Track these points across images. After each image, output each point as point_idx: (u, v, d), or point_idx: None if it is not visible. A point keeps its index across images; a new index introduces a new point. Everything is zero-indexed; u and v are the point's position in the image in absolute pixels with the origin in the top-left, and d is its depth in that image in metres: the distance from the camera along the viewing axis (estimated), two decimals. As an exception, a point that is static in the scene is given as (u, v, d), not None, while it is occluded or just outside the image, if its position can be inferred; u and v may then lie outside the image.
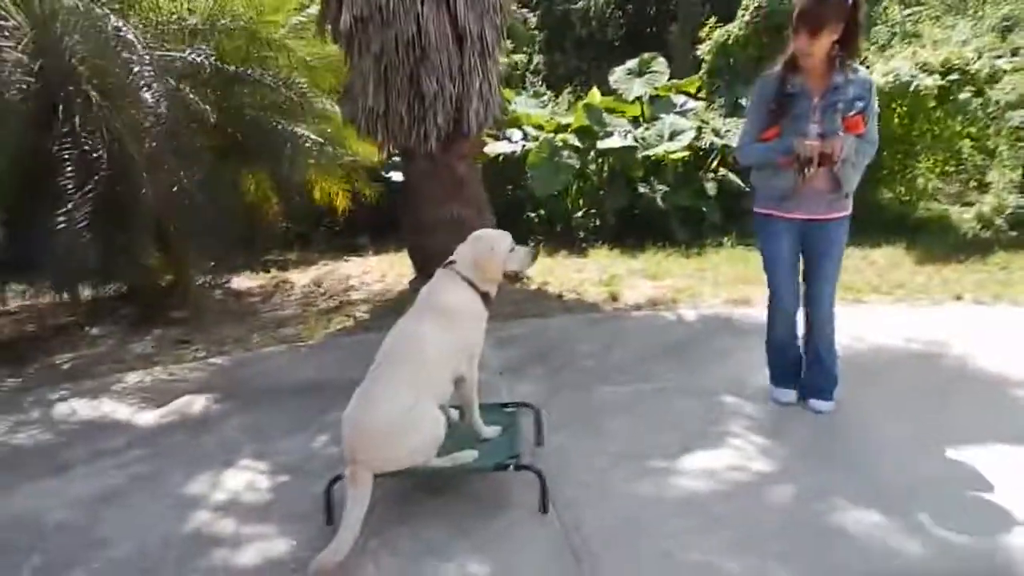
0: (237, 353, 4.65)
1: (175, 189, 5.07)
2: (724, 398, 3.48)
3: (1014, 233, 6.96)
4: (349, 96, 5.48)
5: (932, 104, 7.14)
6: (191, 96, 5.15)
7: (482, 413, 2.86)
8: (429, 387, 2.54)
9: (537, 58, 19.08)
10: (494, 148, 8.42)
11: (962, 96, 6.89)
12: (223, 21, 5.47)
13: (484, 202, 6.04)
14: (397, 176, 7.31)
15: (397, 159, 7.19)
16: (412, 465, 2.48)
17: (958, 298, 4.90)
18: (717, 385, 3.63)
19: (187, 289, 5.81)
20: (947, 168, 7.89)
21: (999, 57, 7.77)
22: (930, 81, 6.79)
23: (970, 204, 7.78)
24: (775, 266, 3.17)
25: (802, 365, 3.36)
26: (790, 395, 3.36)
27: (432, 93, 5.14)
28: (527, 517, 2.53)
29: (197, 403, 3.79)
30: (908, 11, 12.00)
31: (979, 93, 7.43)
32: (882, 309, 4.76)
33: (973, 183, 8.02)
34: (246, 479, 2.94)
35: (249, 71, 5.55)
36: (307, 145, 5.81)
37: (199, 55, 5.16)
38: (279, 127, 5.64)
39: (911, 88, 6.76)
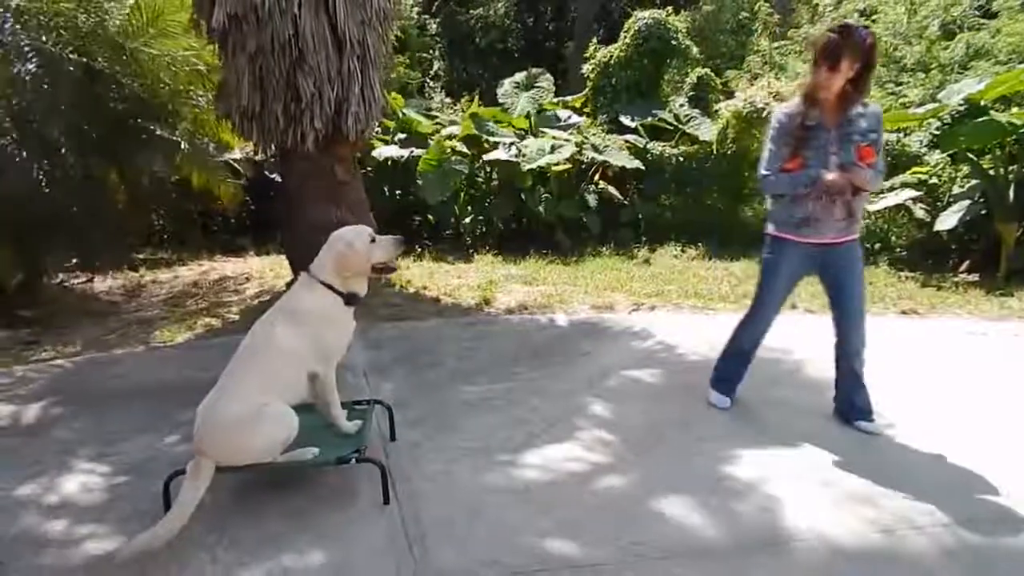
0: (90, 354, 4.46)
1: (33, 182, 4.81)
2: (576, 397, 3.71)
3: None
4: (224, 94, 5.40)
5: (785, 130, 7.83)
6: (45, 87, 4.90)
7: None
8: (279, 386, 2.61)
9: (438, 64, 19.19)
10: (382, 152, 8.46)
11: (809, 125, 7.62)
12: (82, 16, 5.23)
13: (365, 206, 6.08)
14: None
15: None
16: (257, 461, 2.53)
17: (793, 307, 5.42)
18: (572, 385, 3.87)
19: (39, 287, 5.48)
20: (800, 190, 8.67)
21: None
22: (780, 109, 7.48)
23: (819, 223, 8.59)
24: (773, 280, 3.28)
25: (743, 378, 3.53)
26: (726, 402, 3.53)
27: (309, 95, 5.15)
28: (369, 509, 2.64)
29: (37, 405, 3.63)
30: (776, 44, 13.08)
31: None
32: (725, 317, 5.19)
33: (822, 204, 8.85)
34: (83, 480, 2.87)
35: (113, 66, 5.32)
36: (174, 142, 5.63)
37: (55, 44, 4.91)
38: (145, 123, 5.44)
39: (764, 114, 7.42)
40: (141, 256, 7.31)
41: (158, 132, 5.64)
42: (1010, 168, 6.54)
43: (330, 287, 2.76)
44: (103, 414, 3.50)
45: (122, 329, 5.00)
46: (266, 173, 8.14)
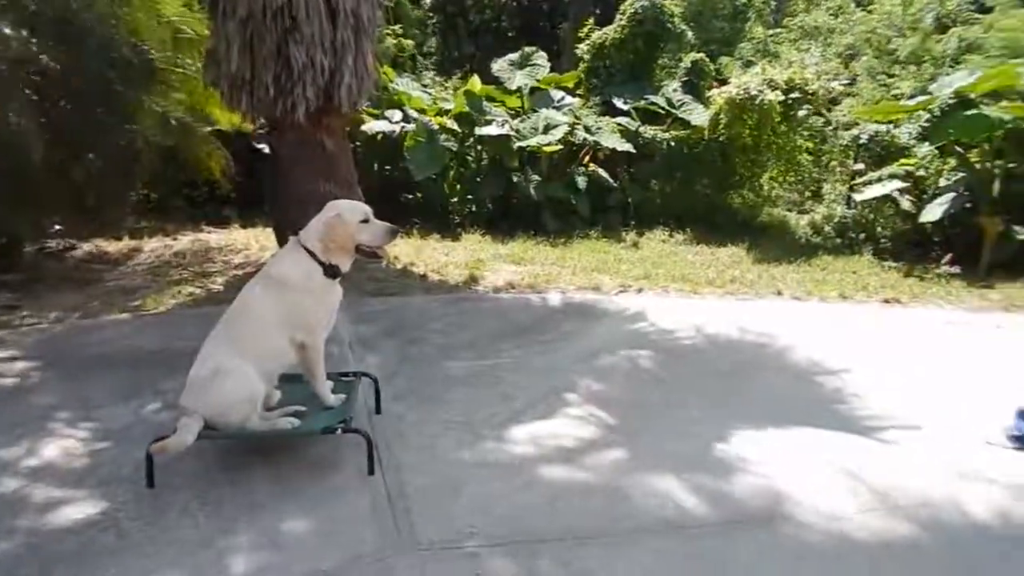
0: (71, 320, 4.40)
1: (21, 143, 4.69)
2: (561, 374, 3.72)
3: (839, 240, 7.82)
4: (212, 60, 5.31)
5: (777, 118, 7.86)
6: (31, 46, 4.77)
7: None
8: (253, 350, 2.61)
9: (431, 41, 18.94)
10: (373, 127, 8.37)
11: (801, 113, 7.64)
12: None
13: (353, 179, 6.03)
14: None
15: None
16: (225, 420, 2.54)
17: (778, 293, 5.47)
18: (557, 362, 3.89)
19: (19, 252, 5.38)
20: (789, 178, 8.71)
21: (834, 80, 8.66)
22: (772, 96, 7.48)
23: (806, 212, 8.64)
24: None
25: None
26: None
27: (301, 64, 5.08)
28: (354, 479, 2.64)
29: (16, 369, 3.59)
30: (771, 32, 13.05)
31: (818, 112, 8.26)
32: (711, 301, 5.23)
33: (809, 193, 8.90)
34: (64, 445, 2.84)
35: (104, 28, 5.19)
36: (162, 111, 5.52)
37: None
38: (134, 89, 5.32)
39: (757, 101, 7.42)
40: (125, 225, 7.19)
41: (147, 101, 5.51)
42: (996, 163, 6.61)
43: (312, 255, 2.73)
44: (85, 380, 3.46)
45: (105, 296, 4.94)
46: (253, 144, 8.02)
